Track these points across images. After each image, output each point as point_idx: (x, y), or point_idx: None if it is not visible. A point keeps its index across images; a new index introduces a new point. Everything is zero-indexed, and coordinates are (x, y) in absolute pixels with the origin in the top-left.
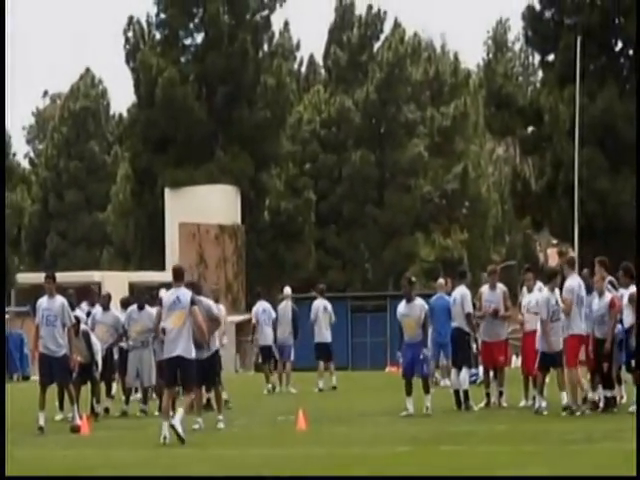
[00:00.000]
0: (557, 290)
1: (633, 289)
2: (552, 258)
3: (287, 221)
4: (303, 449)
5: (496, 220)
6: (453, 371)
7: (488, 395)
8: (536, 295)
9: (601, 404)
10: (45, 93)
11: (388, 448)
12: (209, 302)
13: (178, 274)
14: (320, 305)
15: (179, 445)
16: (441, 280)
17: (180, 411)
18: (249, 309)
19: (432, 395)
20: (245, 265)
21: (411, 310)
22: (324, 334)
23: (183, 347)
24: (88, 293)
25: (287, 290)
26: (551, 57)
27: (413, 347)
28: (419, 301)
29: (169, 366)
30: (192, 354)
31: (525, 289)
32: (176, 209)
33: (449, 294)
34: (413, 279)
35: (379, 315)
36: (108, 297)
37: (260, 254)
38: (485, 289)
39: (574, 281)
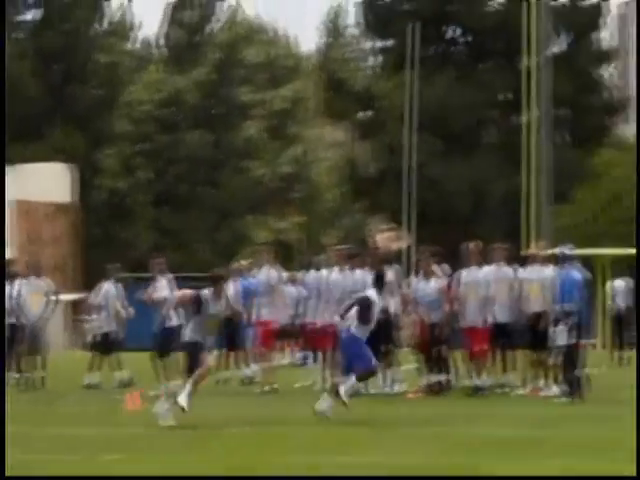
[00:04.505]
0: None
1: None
2: (383, 243)
3: (122, 200)
4: (130, 429)
5: (332, 203)
6: None
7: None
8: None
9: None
10: None
11: (221, 429)
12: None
13: None
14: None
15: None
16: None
17: None
18: (86, 287)
19: None
20: (81, 243)
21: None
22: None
23: None
24: None
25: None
26: (387, 43)
27: None
28: None
29: None
30: None
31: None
32: (10, 186)
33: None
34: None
35: None
36: None
37: (95, 233)
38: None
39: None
